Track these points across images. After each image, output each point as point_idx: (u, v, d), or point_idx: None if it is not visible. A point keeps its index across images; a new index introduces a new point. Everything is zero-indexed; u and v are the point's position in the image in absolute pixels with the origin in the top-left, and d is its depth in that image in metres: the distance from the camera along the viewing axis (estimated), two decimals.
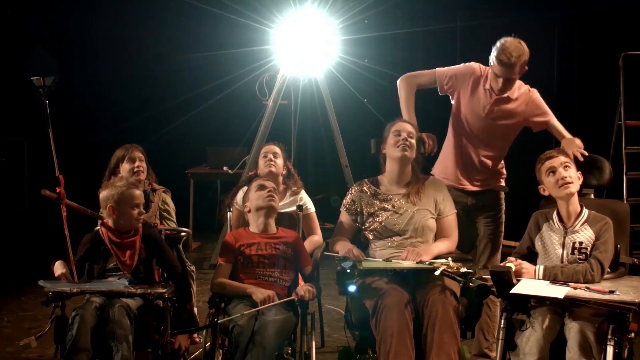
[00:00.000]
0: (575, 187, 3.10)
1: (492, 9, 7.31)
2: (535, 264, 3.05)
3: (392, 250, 3.37)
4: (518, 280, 2.91)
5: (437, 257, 3.25)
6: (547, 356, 2.80)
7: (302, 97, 6.76)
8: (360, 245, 3.41)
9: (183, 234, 3.73)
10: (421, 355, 3.02)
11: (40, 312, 4.66)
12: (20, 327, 4.56)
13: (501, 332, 2.89)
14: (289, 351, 3.31)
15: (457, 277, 3.01)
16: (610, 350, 2.69)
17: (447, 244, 3.40)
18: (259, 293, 3.18)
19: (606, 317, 2.76)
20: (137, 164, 4.07)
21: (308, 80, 6.56)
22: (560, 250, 3.08)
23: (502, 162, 3.82)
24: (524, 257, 3.13)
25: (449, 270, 3.06)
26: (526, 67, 3.49)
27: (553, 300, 2.82)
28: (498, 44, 3.46)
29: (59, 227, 3.16)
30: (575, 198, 3.12)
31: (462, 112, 3.69)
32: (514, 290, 2.82)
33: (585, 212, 3.11)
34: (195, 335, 3.91)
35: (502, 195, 3.82)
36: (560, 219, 3.12)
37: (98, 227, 3.39)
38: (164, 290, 3.14)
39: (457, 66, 3.71)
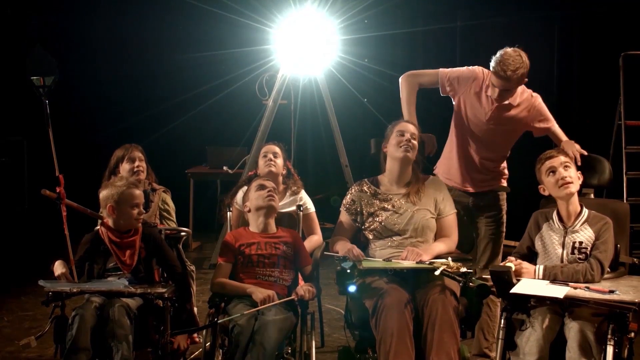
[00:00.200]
0: (575, 187, 3.10)
1: (492, 8, 7.32)
2: (535, 264, 3.05)
3: (392, 250, 3.37)
4: (518, 280, 2.91)
5: (437, 256, 3.25)
6: (547, 356, 2.80)
7: (302, 97, 6.75)
8: (360, 245, 3.41)
9: (183, 233, 3.73)
10: (421, 355, 3.02)
11: (40, 312, 4.66)
12: (20, 326, 4.56)
13: (501, 331, 2.89)
14: (289, 351, 3.30)
15: (457, 277, 3.01)
16: (610, 350, 2.69)
17: (447, 244, 3.40)
18: (258, 293, 3.17)
19: (606, 317, 2.76)
20: (136, 163, 4.07)
21: (308, 80, 6.56)
22: (560, 250, 3.08)
23: (505, 162, 3.81)
24: (523, 257, 3.13)
25: (449, 270, 3.06)
26: (525, 79, 3.45)
27: (553, 300, 2.82)
28: (498, 54, 3.41)
29: (59, 227, 3.16)
30: (575, 198, 3.12)
31: (463, 115, 3.67)
32: (514, 290, 2.82)
33: (585, 211, 3.11)
34: (195, 335, 3.91)
35: (504, 196, 3.81)
36: (560, 219, 3.12)
37: (98, 227, 3.39)
38: (164, 290, 3.14)
39: (461, 69, 3.67)
